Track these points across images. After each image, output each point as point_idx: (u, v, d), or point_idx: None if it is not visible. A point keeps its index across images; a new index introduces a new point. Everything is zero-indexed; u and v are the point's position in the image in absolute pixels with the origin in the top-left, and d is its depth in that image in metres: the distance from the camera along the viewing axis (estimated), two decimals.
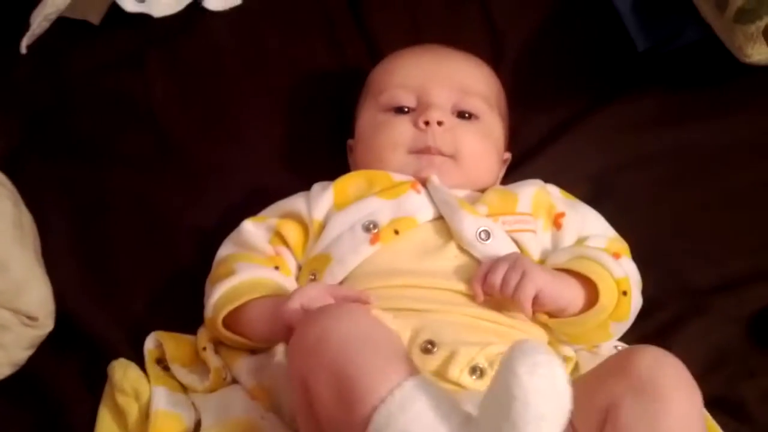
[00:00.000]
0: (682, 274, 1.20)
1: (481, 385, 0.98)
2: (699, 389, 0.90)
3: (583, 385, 0.86)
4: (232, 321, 1.09)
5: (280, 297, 1.05)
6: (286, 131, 1.40)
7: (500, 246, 1.11)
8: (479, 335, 1.04)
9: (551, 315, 1.08)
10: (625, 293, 1.08)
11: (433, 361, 1.00)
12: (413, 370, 0.88)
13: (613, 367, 0.92)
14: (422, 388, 0.85)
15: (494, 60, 1.39)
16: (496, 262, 1.07)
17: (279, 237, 1.18)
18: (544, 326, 1.10)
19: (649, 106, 1.38)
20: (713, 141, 1.34)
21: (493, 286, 1.05)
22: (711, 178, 1.32)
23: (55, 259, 1.23)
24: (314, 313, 0.95)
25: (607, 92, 1.40)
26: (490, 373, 0.99)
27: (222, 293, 1.10)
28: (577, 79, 1.42)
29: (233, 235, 1.20)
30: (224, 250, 1.19)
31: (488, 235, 1.11)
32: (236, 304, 1.07)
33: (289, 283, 1.13)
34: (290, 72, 1.44)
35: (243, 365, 1.09)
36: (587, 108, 1.38)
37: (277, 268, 1.15)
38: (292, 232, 1.17)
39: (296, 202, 1.19)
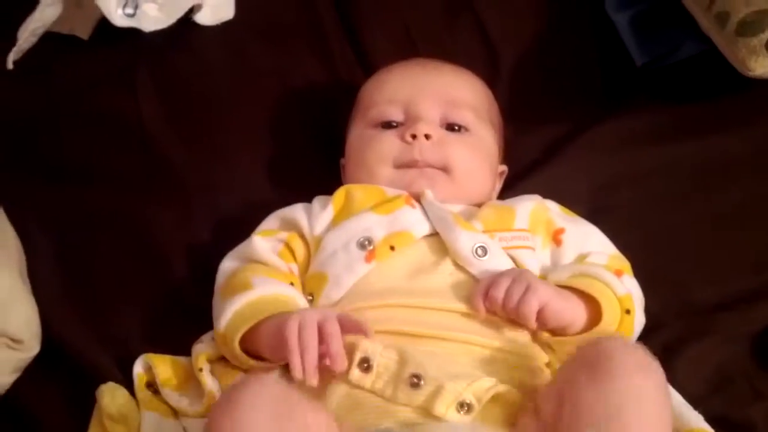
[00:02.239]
0: (683, 293, 1.18)
1: (469, 420, 0.96)
2: (660, 369, 0.93)
3: None
4: (246, 338, 1.05)
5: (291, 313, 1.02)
6: (277, 148, 1.38)
7: (497, 263, 1.08)
8: (469, 366, 1.01)
9: (553, 333, 1.06)
10: (628, 311, 1.06)
11: (419, 396, 0.97)
12: None
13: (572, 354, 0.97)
14: None
15: (490, 75, 1.38)
16: (499, 276, 1.04)
17: (289, 251, 1.15)
18: (545, 346, 1.08)
19: (647, 121, 1.36)
20: (712, 156, 1.32)
21: (495, 299, 1.02)
22: (711, 193, 1.30)
23: (41, 280, 1.21)
24: (228, 395, 0.92)
25: (605, 107, 1.38)
26: (478, 408, 0.96)
27: (239, 307, 1.05)
28: (575, 95, 1.41)
29: (241, 248, 1.16)
30: (232, 264, 1.15)
31: (485, 251, 1.08)
32: (254, 321, 1.03)
33: (303, 300, 1.10)
34: (281, 88, 1.43)
35: None
36: (584, 124, 1.37)
37: (292, 284, 1.12)
38: (299, 248, 1.15)
39: (298, 215, 1.17)
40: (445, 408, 0.96)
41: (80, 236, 1.29)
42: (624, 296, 1.06)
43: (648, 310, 1.12)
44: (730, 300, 1.18)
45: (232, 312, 1.05)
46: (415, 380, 0.97)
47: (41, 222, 1.28)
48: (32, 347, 1.11)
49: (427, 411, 0.96)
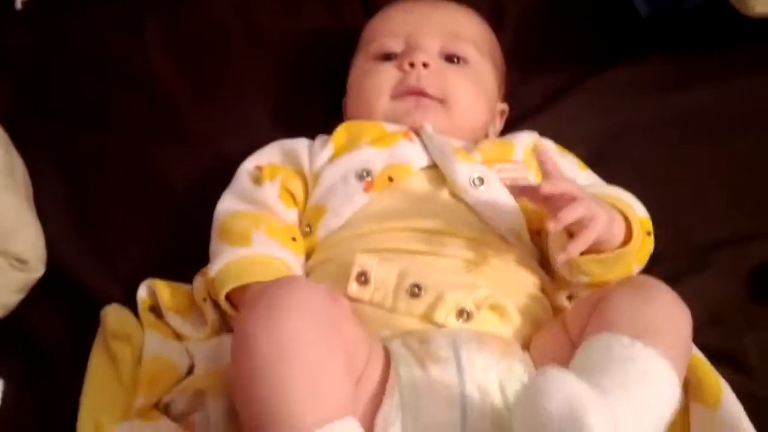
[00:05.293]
0: (681, 232, 1.19)
1: (467, 327, 0.98)
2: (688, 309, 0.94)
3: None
4: (232, 292, 1.05)
5: None
6: (283, 93, 1.39)
7: (494, 193, 1.09)
8: (466, 278, 1.02)
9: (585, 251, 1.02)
10: (648, 233, 1.07)
11: (419, 305, 0.99)
12: (342, 410, 0.83)
13: None
14: None
15: (495, 22, 1.37)
16: (576, 198, 0.95)
17: (288, 193, 1.15)
18: (536, 269, 1.09)
19: (651, 70, 1.37)
20: (717, 105, 1.33)
21: (563, 221, 0.94)
22: (712, 142, 1.30)
23: (48, 215, 1.21)
24: (266, 300, 0.86)
25: (609, 56, 1.39)
26: (477, 316, 0.98)
27: (232, 260, 1.05)
28: (579, 43, 1.41)
29: (248, 186, 1.16)
30: (234, 204, 1.14)
31: (482, 181, 1.09)
32: (241, 282, 1.03)
33: (298, 263, 1.10)
34: (288, 35, 1.43)
35: None
36: (588, 72, 1.38)
37: (293, 239, 1.12)
38: (297, 188, 1.16)
39: (300, 150, 1.18)
40: (445, 315, 0.98)
41: (89, 176, 1.30)
42: (644, 218, 1.08)
43: None
44: (728, 238, 1.19)
45: (224, 262, 1.06)
46: (416, 290, 0.99)
47: (52, 161, 1.30)
48: (37, 269, 1.12)
49: (428, 318, 0.98)
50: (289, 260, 1.09)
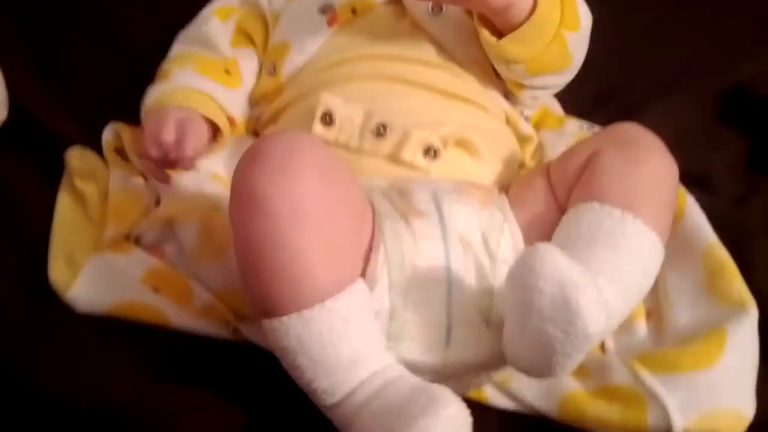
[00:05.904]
0: (649, 60, 1.19)
1: (435, 167, 0.97)
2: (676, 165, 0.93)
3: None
4: None
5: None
6: None
7: (453, 21, 1.07)
8: (432, 115, 1.01)
9: (495, 29, 1.01)
10: None
11: (386, 145, 0.98)
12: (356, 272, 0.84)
13: (597, 132, 0.99)
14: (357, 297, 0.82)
15: None
16: None
17: (243, 34, 1.14)
18: (499, 99, 1.08)
19: None
20: None
21: None
22: None
23: (12, 70, 1.18)
24: (273, 155, 0.82)
25: None
26: (444, 154, 0.98)
27: (149, 97, 1.07)
28: None
29: (193, 29, 1.15)
30: (179, 47, 1.14)
31: (440, 9, 1.07)
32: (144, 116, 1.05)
33: (231, 95, 1.09)
34: None
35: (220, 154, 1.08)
36: None
37: (227, 71, 1.11)
38: (257, 28, 1.14)
39: None
40: (412, 153, 0.97)
41: (52, 31, 1.27)
42: None
43: (611, 77, 1.13)
44: (696, 64, 1.20)
45: (145, 102, 1.06)
46: (381, 129, 0.98)
47: (15, 17, 1.27)
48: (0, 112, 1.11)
49: (395, 158, 0.97)
50: (216, 92, 1.08)
